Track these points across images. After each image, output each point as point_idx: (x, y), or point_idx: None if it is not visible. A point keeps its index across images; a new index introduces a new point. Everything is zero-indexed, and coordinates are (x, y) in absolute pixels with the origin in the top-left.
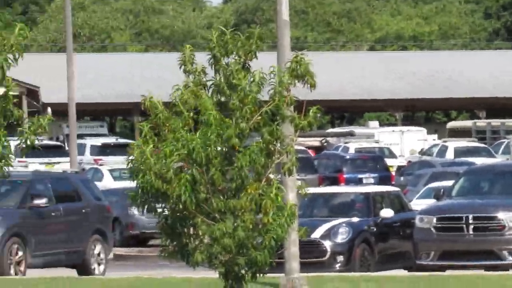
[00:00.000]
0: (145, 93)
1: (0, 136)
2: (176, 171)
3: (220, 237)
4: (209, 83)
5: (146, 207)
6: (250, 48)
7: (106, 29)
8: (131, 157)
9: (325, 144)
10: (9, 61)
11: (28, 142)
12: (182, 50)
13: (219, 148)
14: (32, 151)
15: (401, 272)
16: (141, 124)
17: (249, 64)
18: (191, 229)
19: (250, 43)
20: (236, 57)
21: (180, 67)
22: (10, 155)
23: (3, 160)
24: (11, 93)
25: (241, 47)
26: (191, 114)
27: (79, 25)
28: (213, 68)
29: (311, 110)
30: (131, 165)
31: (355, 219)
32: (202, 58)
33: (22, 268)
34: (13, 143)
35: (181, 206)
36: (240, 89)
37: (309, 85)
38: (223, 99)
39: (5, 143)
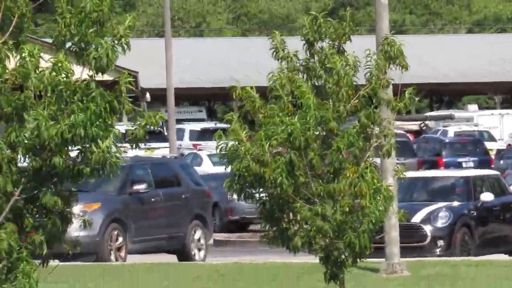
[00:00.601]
0: (242, 77)
1: (114, 129)
2: (273, 155)
3: (319, 222)
4: (302, 68)
5: (243, 194)
6: (344, 31)
7: (202, 13)
8: (222, 143)
9: (424, 128)
10: (117, 51)
11: (137, 136)
12: (273, 36)
13: (317, 132)
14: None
15: (502, 257)
16: (229, 115)
17: (343, 48)
18: (290, 214)
19: (343, 26)
20: (330, 41)
21: (273, 54)
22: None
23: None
24: (107, 78)
25: (334, 31)
26: (290, 98)
27: (175, 9)
28: (307, 53)
29: (406, 92)
30: (224, 152)
31: (455, 203)
32: (300, 43)
33: (122, 254)
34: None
35: (278, 190)
36: (335, 72)
37: (401, 67)
38: (318, 83)
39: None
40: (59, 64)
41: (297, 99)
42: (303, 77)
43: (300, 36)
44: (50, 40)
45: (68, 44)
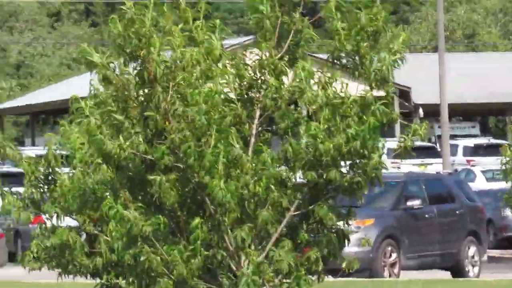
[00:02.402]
0: None
1: (380, 144)
2: None
3: None
4: None
5: None
6: None
7: (475, 28)
8: (505, 159)
9: None
10: (396, 64)
11: (405, 146)
12: None
13: None
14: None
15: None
16: None
17: None
18: None
19: None
20: None
21: None
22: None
23: (379, 164)
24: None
25: None
26: None
27: (448, 24)
28: None
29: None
30: (505, 166)
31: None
32: None
33: (395, 270)
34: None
35: None
36: None
37: None
38: None
39: (383, 149)
40: (334, 79)
41: None
42: None
43: None
44: (323, 55)
45: (343, 60)
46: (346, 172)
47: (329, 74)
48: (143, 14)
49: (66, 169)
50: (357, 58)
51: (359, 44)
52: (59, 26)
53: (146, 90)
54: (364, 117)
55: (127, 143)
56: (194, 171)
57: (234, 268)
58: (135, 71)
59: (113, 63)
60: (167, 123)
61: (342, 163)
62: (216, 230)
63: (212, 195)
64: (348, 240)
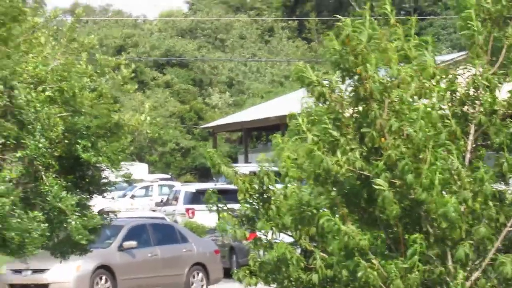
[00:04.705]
0: None
1: None
2: None
3: None
4: None
5: None
6: None
7: None
8: None
9: None
10: None
11: None
12: None
13: None
14: None
15: None
16: None
17: None
18: None
19: None
20: None
21: None
22: None
23: None
24: None
25: None
26: None
27: None
28: None
29: None
30: None
31: None
32: None
33: None
34: None
35: None
36: None
37: None
38: None
39: None
40: None
41: None
42: None
43: None
44: None
45: None
46: None
47: None
48: (360, 31)
49: (279, 185)
50: None
51: None
52: (270, 42)
53: (360, 108)
54: None
55: (343, 159)
56: (411, 188)
57: (450, 283)
58: (350, 88)
59: (328, 80)
60: (382, 139)
61: None
62: (438, 245)
63: (434, 211)
64: None
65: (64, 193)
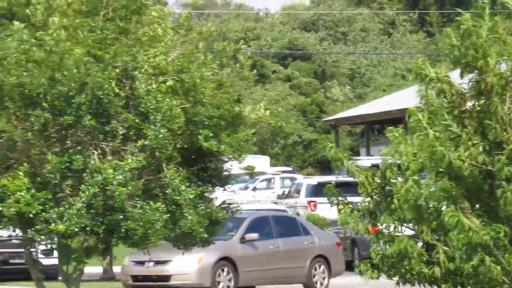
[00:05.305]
0: None
1: None
2: None
3: None
4: None
5: None
6: None
7: None
8: None
9: None
10: None
11: None
12: None
13: None
14: None
15: None
16: None
17: None
18: None
19: None
20: None
21: None
22: None
23: None
24: None
25: None
26: None
27: None
28: None
29: None
30: None
31: None
32: None
33: None
34: None
35: None
36: None
37: None
38: None
39: None
40: None
41: None
42: None
43: None
44: None
45: None
46: None
47: None
48: (480, 25)
49: (400, 179)
50: None
51: None
52: (393, 35)
53: (481, 101)
54: None
55: (466, 154)
56: None
57: None
58: (471, 83)
59: (448, 76)
60: (504, 133)
61: None
62: None
63: None
64: None
65: (183, 187)
